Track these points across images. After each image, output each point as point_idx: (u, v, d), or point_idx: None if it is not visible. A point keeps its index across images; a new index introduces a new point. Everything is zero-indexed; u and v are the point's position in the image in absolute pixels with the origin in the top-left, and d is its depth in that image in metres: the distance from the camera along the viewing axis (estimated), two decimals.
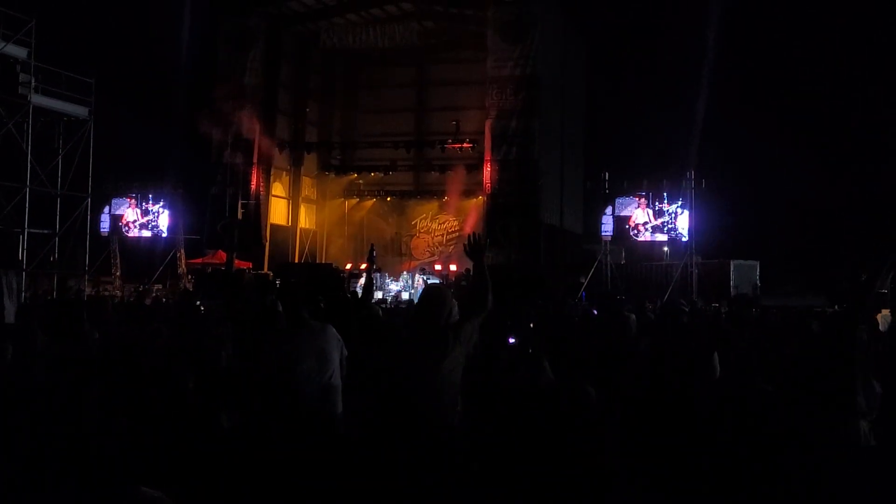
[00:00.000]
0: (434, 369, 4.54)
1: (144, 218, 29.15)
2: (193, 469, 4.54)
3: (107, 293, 22.08)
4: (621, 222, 25.59)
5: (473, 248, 4.92)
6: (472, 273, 5.00)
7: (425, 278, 24.29)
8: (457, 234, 29.61)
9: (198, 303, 12.62)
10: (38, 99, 20.61)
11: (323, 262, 29.17)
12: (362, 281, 25.16)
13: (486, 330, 5.35)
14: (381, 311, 9.92)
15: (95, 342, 6.72)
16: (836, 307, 16.21)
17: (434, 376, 4.54)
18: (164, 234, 28.82)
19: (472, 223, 26.57)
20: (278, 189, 28.87)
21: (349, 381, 5.96)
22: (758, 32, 29.93)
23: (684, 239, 24.88)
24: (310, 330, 5.92)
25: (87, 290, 21.56)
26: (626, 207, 25.75)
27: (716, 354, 6.36)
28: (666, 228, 25.21)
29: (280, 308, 6.53)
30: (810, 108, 28.65)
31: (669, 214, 25.01)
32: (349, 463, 5.02)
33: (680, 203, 24.97)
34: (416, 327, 4.85)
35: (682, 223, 24.88)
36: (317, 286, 15.33)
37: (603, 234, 25.78)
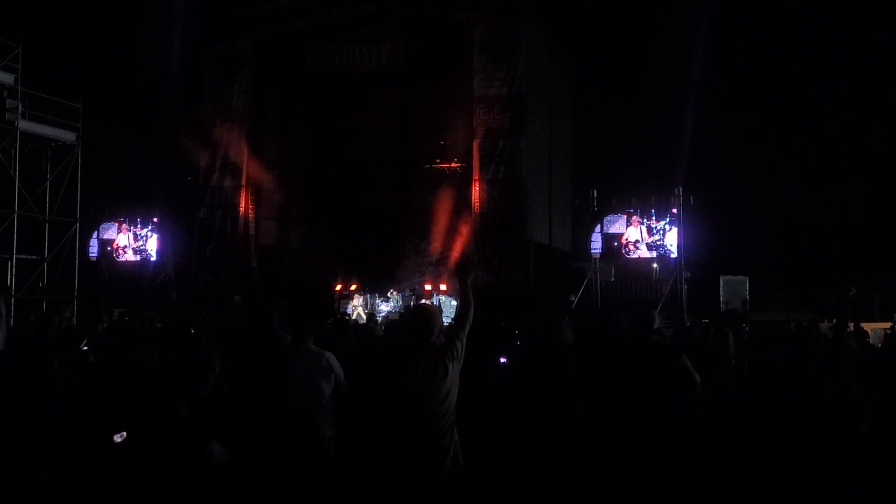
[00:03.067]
0: (435, 393, 4.54)
1: (136, 243, 29.11)
2: (185, 497, 4.53)
3: (95, 318, 21.94)
4: (610, 240, 25.67)
5: (461, 267, 4.96)
6: (458, 291, 5.04)
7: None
8: (445, 253, 29.52)
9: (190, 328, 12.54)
10: (25, 125, 20.54)
11: (312, 283, 29.00)
12: (353, 302, 25.25)
13: (477, 350, 5.36)
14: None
15: (92, 365, 6.73)
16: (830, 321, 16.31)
17: (436, 399, 4.54)
18: (153, 259, 28.76)
19: (460, 243, 26.55)
20: (266, 210, 28.77)
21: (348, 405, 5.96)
22: (744, 51, 30.21)
23: (673, 255, 24.97)
24: (306, 354, 5.93)
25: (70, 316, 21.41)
26: (613, 225, 25.84)
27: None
28: (655, 245, 25.32)
29: (282, 329, 6.54)
30: (797, 127, 28.90)
31: (658, 231, 25.12)
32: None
33: (668, 220, 25.09)
34: (408, 347, 4.84)
35: (671, 240, 24.99)
36: (308, 308, 15.30)
37: (592, 251, 25.85)
